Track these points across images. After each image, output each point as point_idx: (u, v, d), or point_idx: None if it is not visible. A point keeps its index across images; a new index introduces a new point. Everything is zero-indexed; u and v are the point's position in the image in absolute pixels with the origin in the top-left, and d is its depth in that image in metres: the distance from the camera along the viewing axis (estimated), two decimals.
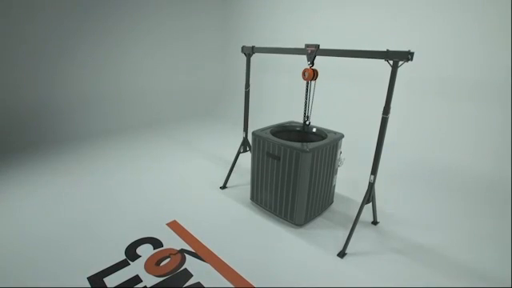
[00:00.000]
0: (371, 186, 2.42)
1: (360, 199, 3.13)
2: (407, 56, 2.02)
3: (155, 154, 4.34)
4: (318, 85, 3.26)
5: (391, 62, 2.12)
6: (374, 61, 4.15)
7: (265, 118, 5.12)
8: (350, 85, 4.52)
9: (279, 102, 5.59)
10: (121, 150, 4.47)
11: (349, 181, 3.60)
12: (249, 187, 3.40)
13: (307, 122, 2.79)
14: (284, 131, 3.06)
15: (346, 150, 3.15)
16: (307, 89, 2.70)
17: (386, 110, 2.21)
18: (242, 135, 3.50)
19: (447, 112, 3.68)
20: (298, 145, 2.50)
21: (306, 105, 2.73)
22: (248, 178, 3.64)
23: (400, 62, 2.09)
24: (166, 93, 6.18)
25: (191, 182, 3.55)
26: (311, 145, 2.51)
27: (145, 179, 3.56)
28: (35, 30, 4.37)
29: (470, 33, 3.40)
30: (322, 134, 2.86)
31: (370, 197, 2.46)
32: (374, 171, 2.38)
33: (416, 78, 3.79)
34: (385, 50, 2.12)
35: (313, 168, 2.52)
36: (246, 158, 3.95)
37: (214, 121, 6.24)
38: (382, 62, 3.79)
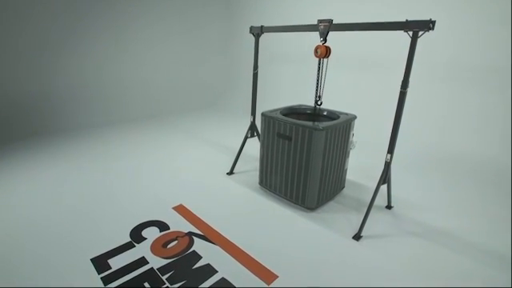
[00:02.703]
0: (388, 165, 2.31)
1: (372, 185, 3.05)
2: (428, 25, 1.93)
3: (158, 143, 4.23)
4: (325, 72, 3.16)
5: (410, 32, 2.03)
6: (381, 46, 4.06)
7: (268, 108, 5.01)
8: (357, 72, 4.43)
9: (282, 93, 5.49)
10: (123, 138, 4.36)
11: (359, 167, 3.49)
12: (256, 173, 3.29)
13: (319, 102, 2.69)
14: (293, 114, 2.95)
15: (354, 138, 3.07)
16: (319, 67, 2.59)
17: (405, 85, 2.11)
18: (245, 126, 3.38)
19: (454, 98, 3.61)
20: (310, 123, 2.40)
21: (317, 84, 2.63)
22: (255, 164, 3.53)
23: (420, 33, 1.99)
24: (169, 85, 6.06)
25: (196, 168, 3.44)
26: (324, 123, 2.40)
27: (148, 166, 3.45)
28: (36, 19, 4.26)
29: (481, 18, 3.32)
30: (333, 116, 2.76)
31: (386, 177, 2.35)
32: (390, 150, 2.27)
33: (423, 64, 3.69)
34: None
35: (326, 148, 2.41)
36: (252, 146, 3.86)
37: (216, 112, 6.13)
38: (390, 46, 3.72)
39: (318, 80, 2.62)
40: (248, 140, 3.28)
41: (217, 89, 6.77)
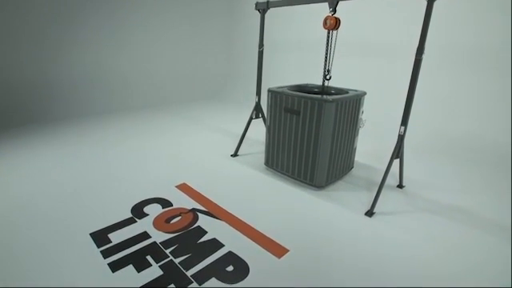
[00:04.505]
0: (401, 138, 2.21)
1: (380, 167, 2.96)
2: None
3: (161, 129, 4.12)
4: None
5: None
6: (387, 32, 3.97)
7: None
8: (361, 60, 4.34)
9: (287, 80, 5.39)
10: (125, 125, 4.24)
11: (367, 151, 3.39)
12: (262, 156, 3.19)
13: (327, 77, 2.59)
14: (301, 92, 2.84)
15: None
16: (328, 39, 2.49)
17: (420, 51, 2.01)
18: (249, 115, 3.26)
19: (456, 83, 3.55)
20: (319, 96, 2.30)
21: (326, 57, 2.53)
22: (259, 148, 3.43)
23: None
24: (171, 76, 5.95)
25: (199, 151, 3.33)
26: (334, 96, 2.31)
27: (149, 149, 3.33)
28: (38, 7, 4.14)
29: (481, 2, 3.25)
30: (342, 93, 2.65)
31: (399, 151, 2.25)
32: (404, 122, 2.17)
33: (428, 49, 3.61)
34: None
35: (336, 122, 2.31)
36: (257, 130, 3.76)
37: (219, 102, 6.02)
38: (396, 33, 3.56)
39: (326, 53, 2.52)
40: (252, 125, 3.18)
41: (219, 80, 6.66)
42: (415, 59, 2.03)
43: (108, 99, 5.06)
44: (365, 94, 2.59)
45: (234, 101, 6.03)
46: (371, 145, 3.59)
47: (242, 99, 5.90)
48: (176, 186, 2.50)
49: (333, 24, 2.38)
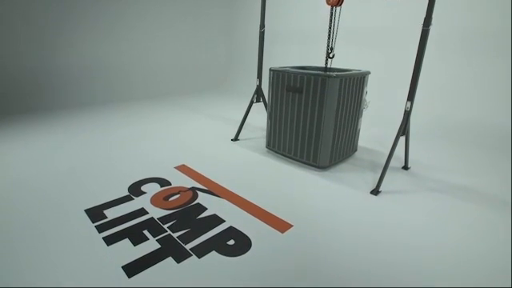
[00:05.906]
0: (407, 114, 2.13)
1: (384, 151, 2.89)
2: None
3: (161, 117, 4.03)
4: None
5: None
6: (389, 23, 3.89)
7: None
8: (362, 51, 4.28)
9: None
10: (125, 114, 4.15)
11: (370, 136, 3.32)
12: (262, 140, 3.12)
13: (331, 55, 2.52)
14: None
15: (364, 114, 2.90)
16: (331, 16, 2.43)
17: (427, 22, 1.94)
18: (248, 105, 3.17)
19: (460, 68, 3.48)
20: (322, 72, 2.23)
21: (329, 34, 2.46)
22: (260, 133, 3.36)
23: None
24: (172, 68, 5.88)
25: (199, 135, 3.25)
26: (338, 72, 2.24)
27: (149, 135, 3.25)
28: None
29: None
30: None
31: (405, 128, 2.17)
32: (410, 97, 2.10)
33: (430, 35, 3.55)
34: None
35: (339, 99, 2.24)
36: (258, 117, 3.69)
37: (219, 93, 5.93)
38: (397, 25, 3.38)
39: (329, 30, 2.45)
40: (254, 113, 3.11)
41: (220, 72, 6.60)
42: (422, 30, 1.96)
43: (108, 89, 4.99)
44: (369, 73, 2.52)
45: (234, 92, 5.96)
46: (374, 129, 3.52)
47: (242, 90, 5.84)
48: (175, 167, 2.42)
49: (336, 0, 2.32)
